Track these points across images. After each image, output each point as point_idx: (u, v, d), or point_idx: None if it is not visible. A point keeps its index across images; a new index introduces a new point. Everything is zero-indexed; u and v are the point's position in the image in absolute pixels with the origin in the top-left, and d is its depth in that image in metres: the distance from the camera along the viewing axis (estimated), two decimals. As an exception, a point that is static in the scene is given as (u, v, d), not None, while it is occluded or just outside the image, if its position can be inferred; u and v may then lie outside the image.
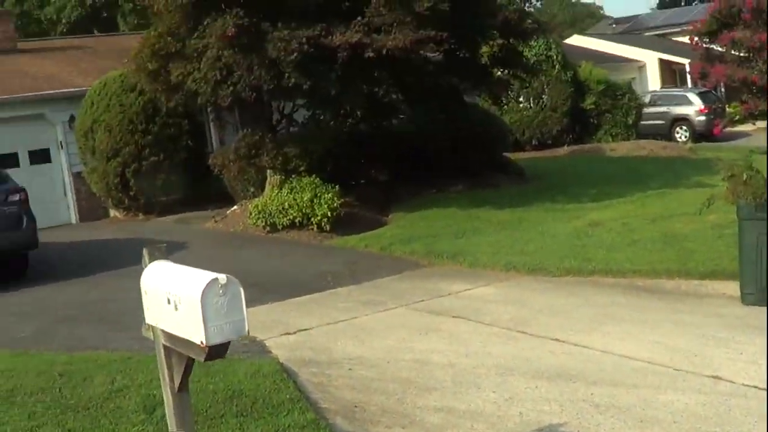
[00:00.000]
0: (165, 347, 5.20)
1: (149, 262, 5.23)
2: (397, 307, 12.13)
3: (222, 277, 4.59)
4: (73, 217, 25.39)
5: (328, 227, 18.83)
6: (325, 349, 10.18)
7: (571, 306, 11.59)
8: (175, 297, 4.79)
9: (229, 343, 4.71)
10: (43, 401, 8.41)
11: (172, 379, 5.25)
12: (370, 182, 22.87)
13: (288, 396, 8.12)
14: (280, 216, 19.07)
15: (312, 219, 18.84)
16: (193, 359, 5.00)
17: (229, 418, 7.65)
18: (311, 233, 18.90)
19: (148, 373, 8.88)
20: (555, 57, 35.56)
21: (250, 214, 19.71)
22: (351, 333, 10.85)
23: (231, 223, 20.70)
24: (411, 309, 12.00)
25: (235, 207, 21.71)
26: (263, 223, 19.35)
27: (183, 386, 5.23)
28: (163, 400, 5.43)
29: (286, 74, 17.87)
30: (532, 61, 30.06)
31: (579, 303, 11.74)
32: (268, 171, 20.75)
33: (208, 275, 4.62)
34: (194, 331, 4.64)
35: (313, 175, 19.82)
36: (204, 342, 4.59)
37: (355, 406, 8.09)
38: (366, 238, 18.10)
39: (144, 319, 5.34)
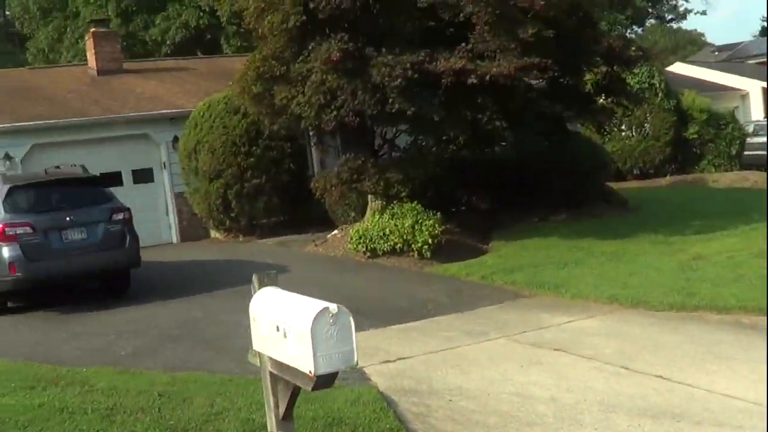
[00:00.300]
0: (271, 374, 5.19)
1: (258, 288, 5.21)
2: (499, 338, 11.99)
3: (333, 307, 4.54)
4: (174, 237, 25.74)
5: (428, 254, 18.74)
6: (425, 378, 10.10)
7: (675, 342, 11.34)
8: (284, 325, 4.77)
9: (337, 373, 4.67)
10: (142, 421, 8.47)
11: (277, 406, 5.23)
12: (471, 209, 22.79)
13: (387, 425, 8.05)
14: (381, 242, 19.05)
15: (413, 245, 18.80)
16: (300, 388, 4.96)
17: (328, 445, 7.62)
18: (411, 260, 18.83)
19: (248, 396, 8.89)
20: (658, 85, 35.12)
21: (351, 238, 19.73)
22: (452, 363, 10.75)
23: (331, 248, 20.75)
24: (512, 340, 11.86)
25: (336, 231, 21.76)
26: (363, 249, 19.33)
27: (288, 414, 5.21)
28: (262, 425, 5.43)
29: (390, 99, 17.88)
30: (635, 89, 29.72)
31: (683, 339, 11.47)
32: (370, 196, 20.77)
33: (318, 304, 4.58)
34: (303, 360, 4.61)
35: (415, 201, 19.79)
36: (312, 371, 4.56)
37: (455, 439, 8.00)
38: (467, 266, 17.93)
39: (251, 344, 5.32)
